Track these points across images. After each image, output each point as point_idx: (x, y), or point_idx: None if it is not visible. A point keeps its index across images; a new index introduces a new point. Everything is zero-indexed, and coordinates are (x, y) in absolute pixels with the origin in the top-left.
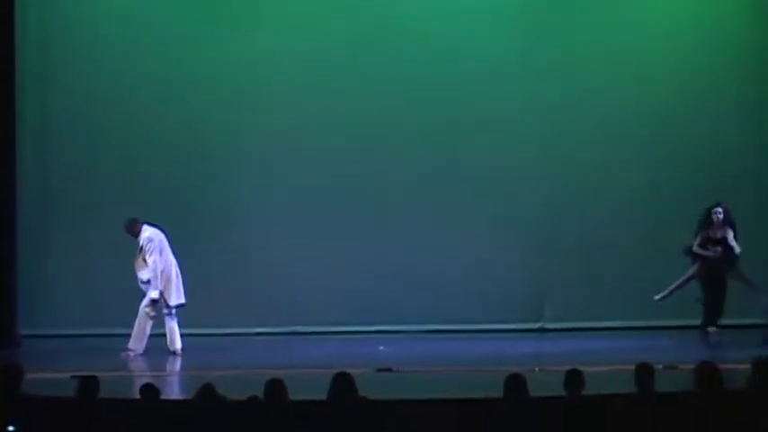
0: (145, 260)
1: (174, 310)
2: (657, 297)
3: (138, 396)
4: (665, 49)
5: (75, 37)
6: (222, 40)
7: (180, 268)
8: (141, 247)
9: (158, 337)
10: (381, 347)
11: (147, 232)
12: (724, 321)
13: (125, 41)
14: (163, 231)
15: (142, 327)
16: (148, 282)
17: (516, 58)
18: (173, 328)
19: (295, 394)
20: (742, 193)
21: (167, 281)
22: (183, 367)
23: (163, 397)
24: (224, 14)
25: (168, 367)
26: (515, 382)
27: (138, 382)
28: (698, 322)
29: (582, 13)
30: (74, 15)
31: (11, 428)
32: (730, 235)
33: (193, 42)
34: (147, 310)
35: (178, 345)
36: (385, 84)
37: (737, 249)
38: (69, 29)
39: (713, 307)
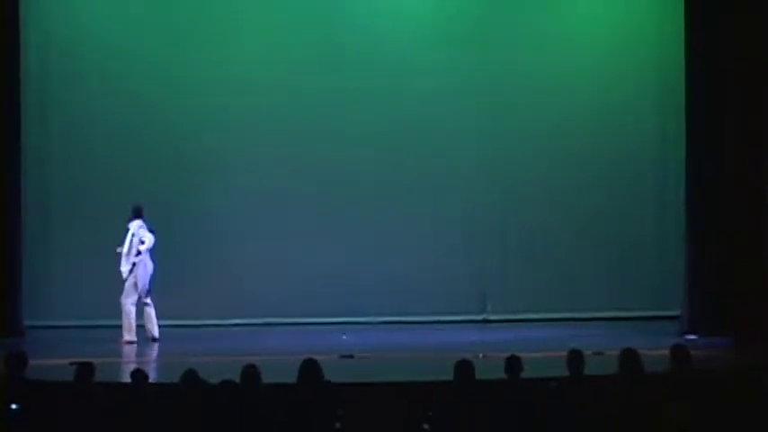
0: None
1: (149, 300)
2: None
3: (129, 380)
4: (596, 75)
5: (74, 49)
6: (211, 57)
7: (167, 267)
8: (133, 235)
9: (141, 327)
10: (344, 336)
11: (136, 227)
12: (645, 313)
13: (120, 52)
14: (151, 231)
15: (129, 317)
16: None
17: (462, 78)
18: (150, 315)
19: (268, 378)
20: (659, 192)
21: (143, 274)
22: (168, 354)
23: (151, 381)
24: (215, 33)
25: (155, 355)
26: (463, 367)
27: (129, 368)
28: (624, 314)
29: (521, 39)
30: (74, 28)
31: (13, 407)
32: None
33: (184, 57)
34: (128, 301)
35: (155, 331)
36: (350, 101)
37: None
38: (69, 40)
39: None
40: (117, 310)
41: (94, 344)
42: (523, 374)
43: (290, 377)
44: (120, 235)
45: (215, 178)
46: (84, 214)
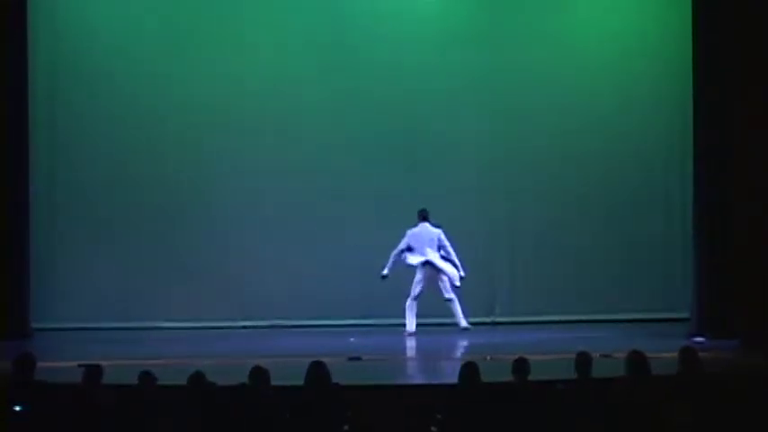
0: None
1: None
2: None
3: (136, 382)
4: (602, 76)
5: (82, 50)
6: (218, 60)
7: (174, 269)
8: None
9: (149, 330)
10: (352, 339)
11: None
12: (653, 316)
13: (127, 54)
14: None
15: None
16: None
17: (467, 80)
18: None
19: (275, 380)
20: (667, 193)
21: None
22: (175, 357)
23: (158, 383)
24: (211, 46)
25: (162, 357)
26: (470, 370)
27: (137, 370)
28: (632, 316)
29: (531, 41)
30: (82, 30)
31: (17, 408)
32: None
33: (191, 60)
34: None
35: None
36: (356, 103)
37: None
38: (77, 42)
39: None
40: (123, 312)
41: (102, 345)
42: (531, 377)
43: (298, 379)
44: (123, 238)
45: (224, 180)
46: (91, 216)
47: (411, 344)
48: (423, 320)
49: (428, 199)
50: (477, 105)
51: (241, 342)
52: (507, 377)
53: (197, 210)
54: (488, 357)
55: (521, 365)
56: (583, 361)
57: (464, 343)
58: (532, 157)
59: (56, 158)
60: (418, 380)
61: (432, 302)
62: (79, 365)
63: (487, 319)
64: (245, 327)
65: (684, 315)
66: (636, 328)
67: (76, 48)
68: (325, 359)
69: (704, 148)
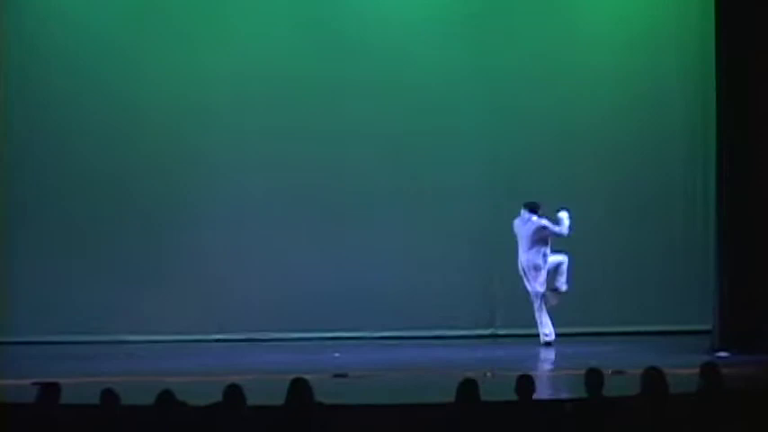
0: None
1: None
2: None
3: (98, 402)
4: (613, 65)
5: (46, 42)
6: (195, 48)
7: (144, 277)
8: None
9: (113, 344)
10: (336, 354)
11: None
12: (671, 328)
13: (95, 45)
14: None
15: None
16: None
17: (466, 74)
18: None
19: (253, 400)
20: (686, 195)
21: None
22: (142, 373)
23: (123, 402)
24: (191, 30)
25: (127, 373)
26: (468, 387)
27: (99, 388)
28: (647, 328)
29: (534, 30)
30: (47, 20)
31: None
32: None
33: (164, 48)
34: None
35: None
36: (341, 97)
37: None
38: (41, 33)
39: None
40: (80, 326)
41: (61, 361)
42: (535, 395)
43: (278, 398)
44: (88, 241)
45: (198, 182)
46: (49, 221)
47: (401, 359)
48: (417, 333)
49: (424, 200)
50: (478, 98)
51: (215, 357)
52: (510, 396)
53: (167, 214)
54: (489, 374)
55: (525, 383)
56: (593, 378)
57: (461, 357)
58: (537, 155)
59: (15, 161)
60: (410, 398)
61: (427, 313)
62: (33, 383)
63: (487, 332)
64: (219, 340)
65: (706, 327)
66: (652, 342)
67: (41, 40)
68: (307, 376)
69: (729, 145)
